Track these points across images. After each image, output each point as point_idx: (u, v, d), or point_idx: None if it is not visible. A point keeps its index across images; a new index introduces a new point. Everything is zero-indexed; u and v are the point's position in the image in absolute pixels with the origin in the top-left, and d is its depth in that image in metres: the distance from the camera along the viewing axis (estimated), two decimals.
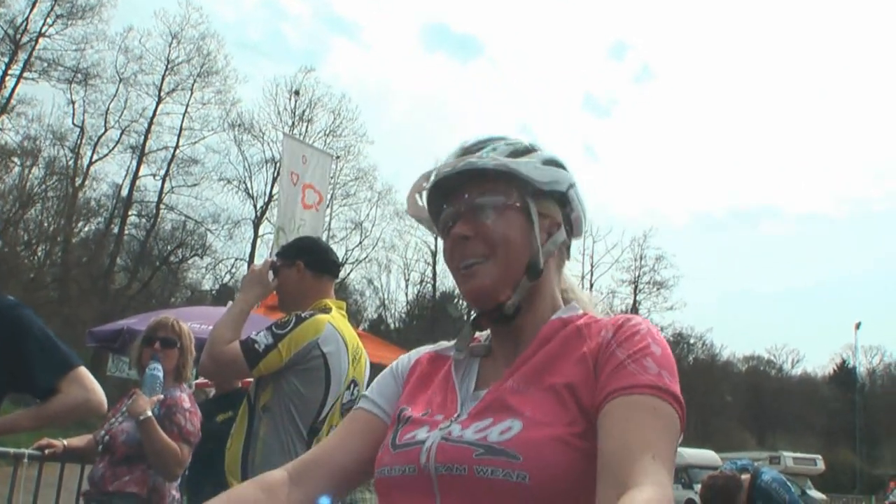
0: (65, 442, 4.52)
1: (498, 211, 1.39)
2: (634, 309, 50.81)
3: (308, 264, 3.53)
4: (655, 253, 51.61)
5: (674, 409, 1.17)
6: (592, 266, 51.17)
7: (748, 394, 57.38)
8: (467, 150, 1.44)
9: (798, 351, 69.99)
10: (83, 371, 2.89)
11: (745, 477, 5.68)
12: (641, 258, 51.53)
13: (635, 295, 51.44)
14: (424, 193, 1.49)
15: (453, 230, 1.40)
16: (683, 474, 27.60)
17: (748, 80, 79.12)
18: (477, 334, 1.52)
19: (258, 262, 3.63)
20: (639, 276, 51.66)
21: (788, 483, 5.90)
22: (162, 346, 4.14)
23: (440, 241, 1.48)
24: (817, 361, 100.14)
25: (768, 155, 77.75)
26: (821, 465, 32.05)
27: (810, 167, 77.89)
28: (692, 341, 57.16)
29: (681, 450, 28.01)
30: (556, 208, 1.45)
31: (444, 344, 1.57)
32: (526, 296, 1.39)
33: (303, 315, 3.27)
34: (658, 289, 51.40)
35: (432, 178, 1.45)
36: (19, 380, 2.83)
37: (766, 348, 72.60)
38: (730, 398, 54.36)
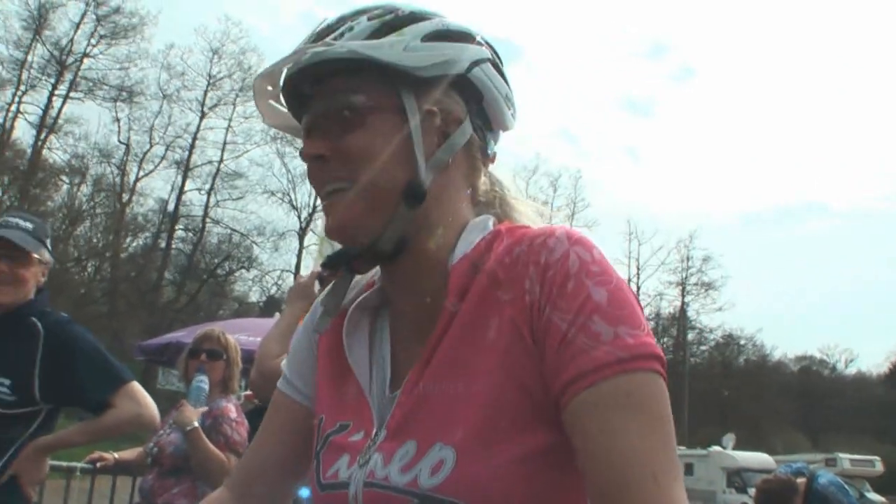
0: (116, 455, 4.55)
1: (358, 117, 1.03)
2: (683, 312, 50.42)
3: None
4: (702, 254, 51.30)
5: (650, 375, 0.90)
6: (639, 269, 50.93)
7: (801, 395, 56.51)
8: (320, 35, 1.06)
9: (851, 350, 68.79)
10: (135, 386, 2.92)
11: (801, 481, 5.56)
12: (688, 259, 51.22)
13: (683, 297, 51.04)
14: (279, 98, 1.13)
15: (303, 149, 1.05)
16: (737, 478, 27.24)
17: (790, 75, 78.21)
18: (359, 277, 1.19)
19: (304, 273, 3.60)
20: (686, 277, 51.32)
21: (846, 486, 5.78)
22: (208, 358, 4.14)
23: None
24: (872, 360, 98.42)
25: (813, 151, 76.72)
26: (879, 467, 31.40)
27: (856, 162, 76.68)
28: (742, 342, 56.58)
29: (734, 453, 27.81)
30: (455, 98, 1.08)
31: (356, 280, 1.19)
32: (411, 226, 1.05)
33: None
34: (706, 290, 50.99)
35: (280, 80, 1.09)
36: (73, 395, 2.87)
37: (819, 348, 71.57)
38: (780, 400, 53.58)
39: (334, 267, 1.13)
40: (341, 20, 1.07)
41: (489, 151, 1.15)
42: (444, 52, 1.05)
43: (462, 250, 1.05)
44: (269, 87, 1.12)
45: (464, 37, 1.09)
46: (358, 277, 1.19)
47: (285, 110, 1.13)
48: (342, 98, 1.03)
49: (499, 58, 1.15)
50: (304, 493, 1.18)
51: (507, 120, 1.15)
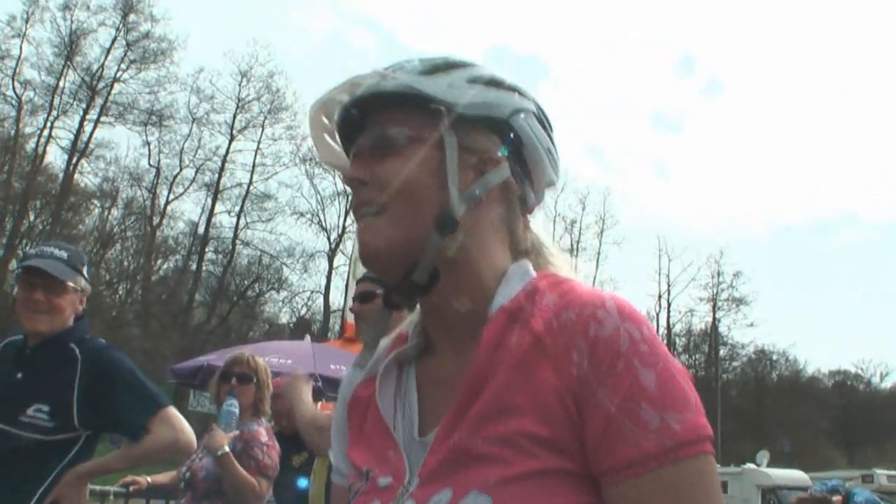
0: (149, 479, 4.60)
1: (399, 147, 1.08)
2: (714, 328, 50.05)
3: None
4: (733, 269, 50.94)
5: (696, 459, 0.92)
6: (669, 285, 50.67)
7: (836, 410, 55.81)
8: (375, 72, 1.13)
9: (886, 364, 67.79)
10: (172, 411, 2.95)
11: (837, 499, 5.54)
12: (719, 275, 50.84)
13: (714, 312, 50.66)
14: (334, 134, 1.18)
15: (347, 171, 1.10)
16: (772, 496, 26.88)
17: (820, 87, 77.65)
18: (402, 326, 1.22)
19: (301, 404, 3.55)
20: (717, 293, 50.92)
21: (883, 503, 5.73)
22: (238, 382, 4.17)
23: None
24: None
25: (843, 163, 75.97)
26: None
27: (887, 173, 75.83)
28: (775, 358, 56.02)
29: (768, 470, 27.47)
30: (495, 141, 1.11)
31: (371, 356, 1.24)
32: (445, 258, 1.07)
33: None
34: (737, 305, 50.60)
35: (335, 114, 1.15)
36: (112, 421, 2.92)
37: (853, 362, 70.83)
38: (815, 416, 52.94)
39: (386, 302, 1.15)
40: (399, 63, 1.13)
41: (528, 202, 1.17)
42: (487, 96, 1.10)
43: (500, 300, 1.06)
44: (325, 120, 1.17)
45: (511, 88, 1.14)
46: (384, 341, 1.22)
47: (339, 148, 1.18)
48: (387, 128, 1.08)
49: (545, 114, 1.18)
50: (303, 483, 1.19)
51: (548, 173, 1.17)
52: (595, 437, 0.93)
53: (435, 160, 1.07)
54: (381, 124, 1.09)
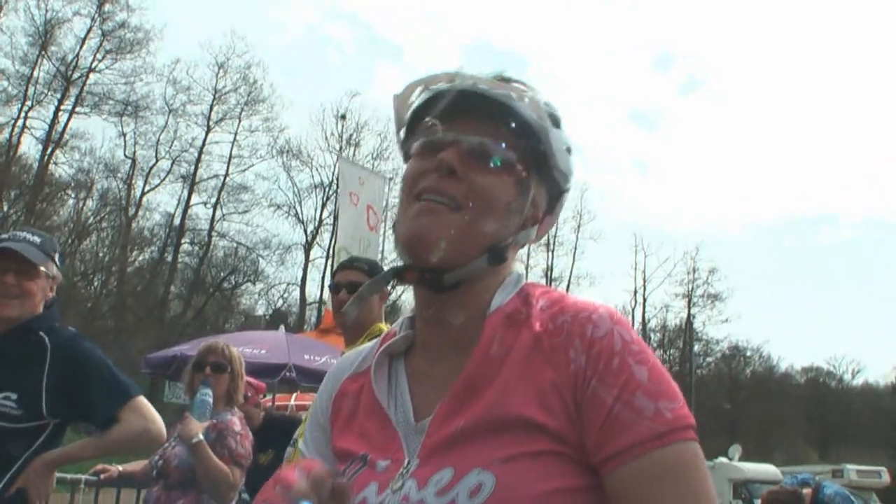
0: (120, 468, 4.59)
1: (500, 168, 1.14)
2: (689, 323, 50.36)
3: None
4: (709, 265, 51.18)
5: (687, 444, 1.02)
6: (645, 281, 50.87)
7: (808, 406, 56.30)
8: (504, 80, 1.19)
9: (859, 361, 68.46)
10: (142, 401, 2.94)
11: (807, 491, 5.59)
12: (694, 271, 51.12)
13: (689, 308, 50.94)
14: (423, 93, 1.21)
15: (442, 153, 1.13)
16: (743, 489, 27.10)
17: (798, 84, 78.13)
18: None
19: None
20: (692, 289, 51.22)
21: (852, 497, 5.79)
22: (212, 371, 4.17)
23: None
24: (879, 371, 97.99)
25: (823, 161, 76.57)
26: (886, 478, 31.17)
27: (867, 172, 76.48)
28: (749, 354, 56.43)
29: (740, 464, 27.69)
30: (545, 203, 1.24)
31: (356, 353, 1.32)
32: (474, 278, 1.15)
33: None
34: (713, 302, 50.92)
35: (455, 81, 1.17)
36: (81, 410, 2.90)
37: (826, 359, 71.37)
38: (787, 412, 53.36)
39: (398, 271, 1.19)
40: (524, 84, 1.20)
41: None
42: (570, 167, 1.22)
43: (498, 302, 1.16)
44: (443, 83, 1.18)
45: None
46: (368, 345, 1.31)
47: (414, 101, 1.22)
48: (503, 146, 1.14)
49: None
50: None
51: (540, 239, 1.29)
52: (595, 427, 1.02)
53: (514, 195, 1.16)
54: (492, 135, 1.14)
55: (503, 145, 1.14)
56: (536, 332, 1.10)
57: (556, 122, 1.19)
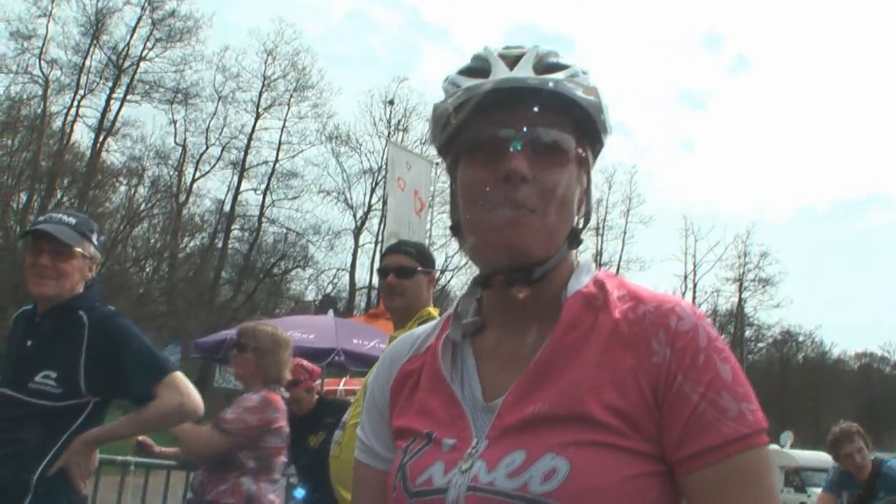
0: (160, 449, 4.66)
1: (563, 157, 1.12)
2: (740, 308, 49.82)
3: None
4: (760, 249, 50.58)
5: (762, 450, 1.02)
6: (695, 265, 50.35)
7: (861, 392, 55.47)
8: (548, 66, 1.14)
9: None
10: (178, 376, 2.94)
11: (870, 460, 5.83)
12: (745, 255, 50.54)
13: (740, 293, 50.37)
14: (462, 96, 1.13)
15: (512, 164, 1.08)
16: (795, 477, 26.83)
17: (849, 63, 76.69)
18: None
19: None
20: (743, 273, 50.64)
21: None
22: (238, 351, 4.24)
23: None
24: None
25: (872, 141, 75.16)
26: None
27: None
28: (801, 339, 55.74)
29: (791, 452, 27.38)
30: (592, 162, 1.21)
31: (415, 334, 1.30)
32: (558, 263, 1.14)
33: None
34: (764, 286, 50.31)
35: (496, 78, 1.11)
36: (119, 387, 2.92)
37: (879, 345, 70.23)
38: (840, 398, 52.59)
39: (481, 281, 1.19)
40: (560, 64, 1.15)
41: None
42: (611, 125, 1.18)
43: (574, 286, 1.14)
44: (484, 81, 1.13)
45: None
46: (424, 327, 1.30)
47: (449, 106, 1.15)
48: (556, 134, 1.12)
49: None
50: (299, 493, 1.20)
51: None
52: (678, 423, 1.01)
53: (579, 179, 1.15)
54: (547, 126, 1.11)
55: (563, 134, 1.12)
56: (615, 318, 1.08)
57: (596, 93, 1.15)
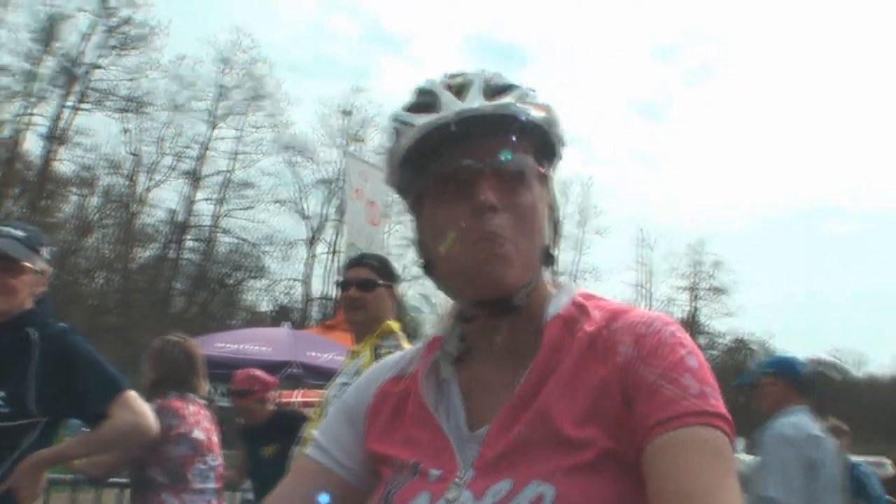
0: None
1: (529, 179, 1.12)
2: (693, 317, 50.32)
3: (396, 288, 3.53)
4: (713, 258, 51.05)
5: (726, 435, 0.97)
6: (650, 275, 50.77)
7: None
8: (496, 90, 1.12)
9: (863, 353, 68.33)
10: (132, 395, 2.89)
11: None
12: (699, 265, 50.99)
13: (694, 302, 50.87)
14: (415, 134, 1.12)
15: (481, 196, 1.07)
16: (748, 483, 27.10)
17: (804, 77, 77.80)
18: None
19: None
20: (697, 282, 51.14)
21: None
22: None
23: None
24: (883, 363, 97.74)
25: (829, 153, 75.95)
26: (890, 469, 31.21)
27: (873, 164, 76.01)
28: (754, 347, 56.30)
29: (743, 457, 27.59)
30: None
31: (398, 356, 1.30)
32: (535, 286, 1.15)
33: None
34: (717, 295, 50.88)
35: (449, 111, 1.09)
36: (71, 406, 2.86)
37: (830, 351, 71.24)
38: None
39: (463, 316, 1.19)
40: (508, 85, 1.14)
41: None
42: (563, 137, 1.18)
43: (554, 309, 1.14)
44: (433, 116, 1.11)
45: None
46: (407, 351, 1.30)
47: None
48: (516, 158, 1.11)
49: None
50: (324, 499, 1.20)
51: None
52: (640, 405, 0.99)
53: (544, 197, 1.15)
54: (505, 150, 1.10)
55: (524, 156, 1.12)
56: (591, 335, 1.08)
57: (547, 109, 1.15)
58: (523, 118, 1.10)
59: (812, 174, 74.45)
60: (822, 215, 74.88)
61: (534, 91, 1.15)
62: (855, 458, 6.41)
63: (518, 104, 1.10)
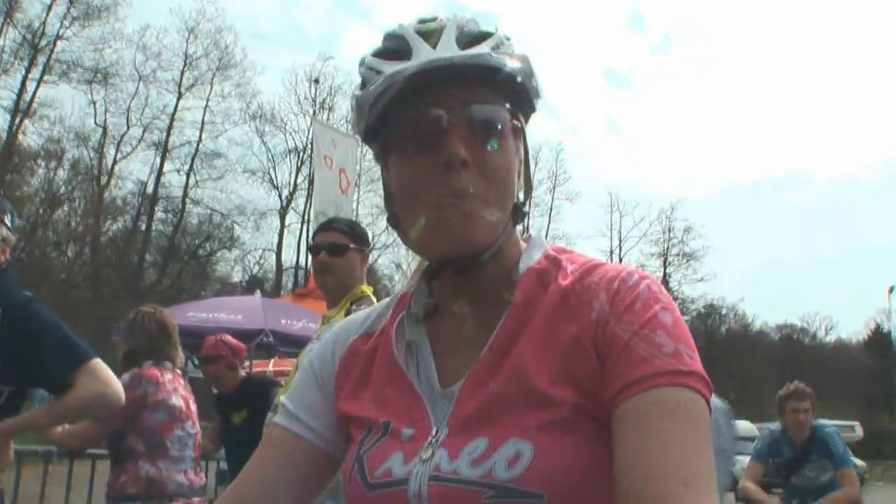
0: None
1: (502, 133, 1.06)
2: (665, 282, 50.68)
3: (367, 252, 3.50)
4: (683, 224, 51.48)
5: (701, 396, 0.93)
6: (620, 241, 51.08)
7: (782, 363, 56.97)
8: (471, 38, 1.06)
9: (831, 318, 69.42)
10: (98, 363, 2.83)
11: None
12: (670, 230, 51.45)
13: (665, 268, 51.21)
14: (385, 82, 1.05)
15: (450, 149, 1.02)
16: None
17: (771, 43, 78.27)
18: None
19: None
20: (668, 248, 51.60)
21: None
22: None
23: None
24: (851, 328, 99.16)
25: (795, 120, 76.95)
26: (859, 432, 31.73)
27: (838, 130, 76.96)
28: (724, 312, 56.98)
29: None
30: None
31: (366, 313, 1.25)
32: (505, 240, 1.10)
33: None
34: (688, 261, 51.32)
35: (420, 59, 1.03)
36: (34, 376, 2.80)
37: (799, 316, 72.26)
38: (762, 369, 54.04)
39: (429, 273, 1.15)
40: (483, 33, 1.08)
41: None
42: (539, 91, 1.12)
43: (526, 263, 1.10)
44: (399, 65, 1.05)
45: None
46: (374, 307, 1.25)
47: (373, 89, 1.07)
48: (490, 110, 1.05)
49: None
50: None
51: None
52: (612, 363, 0.95)
53: (517, 151, 1.10)
54: (478, 102, 1.05)
55: (497, 108, 1.06)
56: (564, 290, 1.04)
57: (523, 59, 1.09)
58: (499, 67, 1.04)
59: (776, 141, 75.04)
60: (786, 182, 75.49)
61: (509, 39, 1.09)
62: (824, 421, 6.48)
63: (494, 54, 1.04)
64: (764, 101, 77.01)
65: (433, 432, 1.03)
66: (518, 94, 1.09)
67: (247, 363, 9.35)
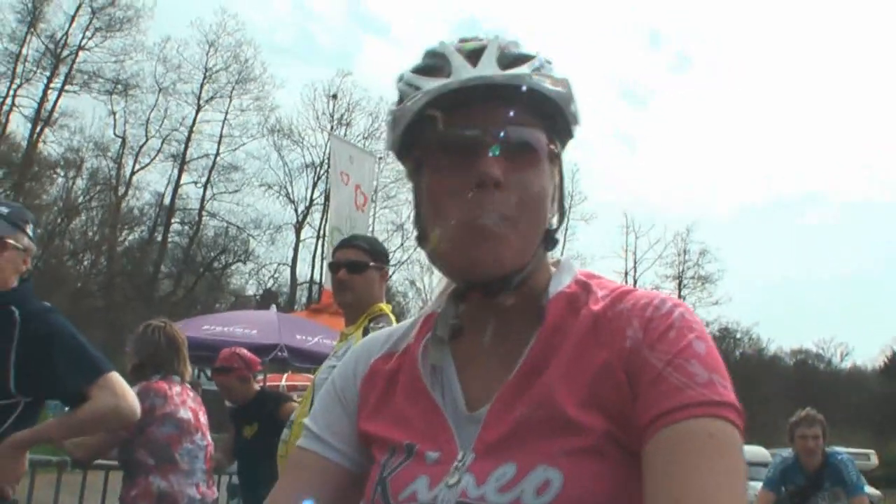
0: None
1: (538, 158, 1.05)
2: None
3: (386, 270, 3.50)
4: (699, 247, 51.16)
5: (735, 427, 0.91)
6: (636, 262, 50.86)
7: (797, 388, 56.61)
8: (512, 59, 1.05)
9: (847, 343, 68.65)
10: (114, 377, 2.82)
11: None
12: (685, 253, 51.12)
13: (680, 290, 51.00)
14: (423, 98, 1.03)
15: (485, 168, 1.00)
16: None
17: (789, 64, 77.94)
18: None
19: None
20: (682, 271, 51.26)
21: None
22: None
23: None
24: (867, 354, 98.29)
25: (811, 141, 76.23)
26: (874, 461, 31.38)
27: (855, 152, 76.27)
28: (738, 336, 56.63)
29: None
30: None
31: (387, 332, 1.24)
32: (535, 267, 1.08)
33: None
34: (703, 284, 50.97)
35: (460, 77, 1.02)
36: (50, 387, 2.79)
37: (814, 341, 71.63)
38: (776, 394, 53.77)
39: (457, 296, 1.13)
40: (524, 55, 1.07)
41: None
42: (578, 115, 1.10)
43: (556, 287, 1.08)
44: (437, 81, 1.04)
45: None
46: (399, 326, 1.24)
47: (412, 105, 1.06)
48: (528, 132, 1.04)
49: None
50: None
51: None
52: (644, 392, 0.93)
53: (552, 175, 1.08)
54: (517, 124, 1.04)
55: (534, 131, 1.05)
56: (595, 315, 1.02)
57: (565, 83, 1.07)
58: (539, 90, 1.02)
59: (794, 162, 74.65)
60: (802, 203, 75.10)
61: (550, 63, 1.08)
62: (839, 449, 6.43)
63: (534, 76, 1.03)
64: (781, 122, 76.73)
65: (459, 456, 1.01)
66: (556, 118, 1.07)
67: (260, 377, 9.35)
